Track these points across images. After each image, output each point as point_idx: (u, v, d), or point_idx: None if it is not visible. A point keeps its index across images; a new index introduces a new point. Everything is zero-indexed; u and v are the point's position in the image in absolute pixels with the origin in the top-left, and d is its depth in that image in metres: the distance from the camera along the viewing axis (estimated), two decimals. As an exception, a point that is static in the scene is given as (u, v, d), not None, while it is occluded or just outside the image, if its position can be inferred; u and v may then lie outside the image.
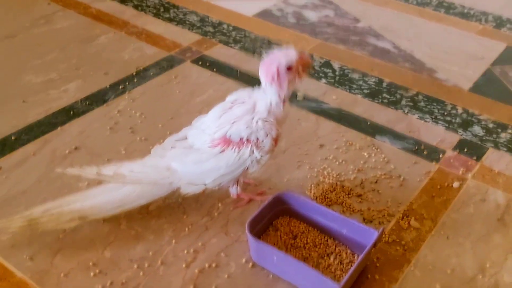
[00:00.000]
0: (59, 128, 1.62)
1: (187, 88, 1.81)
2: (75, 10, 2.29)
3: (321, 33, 2.17)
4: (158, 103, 1.74)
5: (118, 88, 1.81)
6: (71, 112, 1.69)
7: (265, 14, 2.30)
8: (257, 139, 1.22)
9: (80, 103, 1.74)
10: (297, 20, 2.26)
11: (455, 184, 1.45)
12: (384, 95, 1.82)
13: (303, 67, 1.19)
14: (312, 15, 2.30)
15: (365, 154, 1.55)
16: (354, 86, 1.86)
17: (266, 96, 1.22)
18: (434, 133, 1.65)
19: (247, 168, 1.26)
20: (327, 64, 1.98)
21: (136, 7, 2.33)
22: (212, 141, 1.25)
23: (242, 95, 1.28)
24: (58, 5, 2.32)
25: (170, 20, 2.23)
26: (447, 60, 2.03)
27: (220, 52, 2.02)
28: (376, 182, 1.46)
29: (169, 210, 1.36)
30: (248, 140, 1.22)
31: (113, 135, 1.60)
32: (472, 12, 2.39)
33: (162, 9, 2.32)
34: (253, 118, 1.22)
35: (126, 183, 1.27)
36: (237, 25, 2.21)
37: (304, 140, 1.60)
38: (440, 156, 1.56)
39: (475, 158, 1.56)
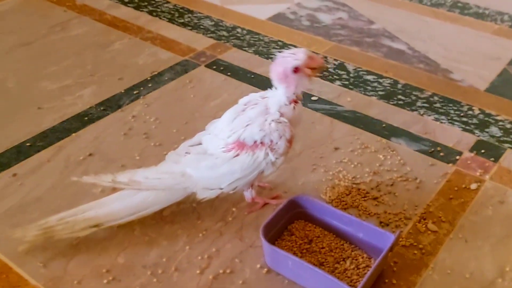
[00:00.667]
0: (73, 134, 1.60)
1: (201, 92, 1.79)
2: (90, 16, 2.28)
3: (335, 35, 2.14)
4: (173, 108, 1.72)
5: (132, 93, 1.79)
6: (86, 118, 1.67)
7: (278, 18, 2.27)
8: (271, 141, 1.19)
9: (94, 108, 1.72)
10: (311, 23, 2.22)
11: (473, 186, 1.41)
12: (399, 96, 1.78)
13: (312, 69, 1.16)
14: (326, 18, 2.27)
15: (381, 156, 1.51)
16: (369, 88, 1.82)
17: (277, 97, 1.20)
18: (451, 135, 1.61)
19: (262, 171, 1.23)
20: (341, 66, 1.94)
21: (150, 12, 2.31)
22: (226, 145, 1.22)
23: (255, 97, 1.25)
24: (74, 12, 2.31)
25: (184, 25, 2.21)
26: (463, 60, 1.99)
27: (234, 56, 2.00)
28: (392, 184, 1.42)
29: (183, 215, 1.33)
30: (262, 143, 1.20)
31: (127, 140, 1.58)
32: (487, 12, 2.34)
33: (176, 14, 2.30)
34: (266, 120, 1.19)
35: (141, 189, 1.25)
36: (251, 28, 2.18)
37: (319, 143, 1.56)
38: (457, 157, 1.51)
39: (492, 159, 1.51)
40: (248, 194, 1.33)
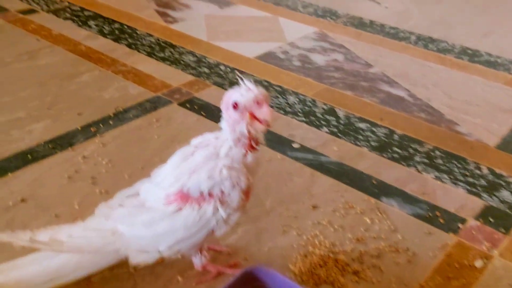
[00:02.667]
0: (9, 174, 1.34)
1: (168, 133, 1.52)
2: (64, 46, 2.04)
3: (327, 77, 1.88)
4: (131, 150, 1.45)
5: (89, 130, 1.53)
6: (29, 156, 1.41)
7: (268, 56, 2.02)
8: (222, 192, 0.93)
9: (42, 146, 1.46)
10: (302, 64, 1.97)
11: (478, 263, 1.12)
12: (395, 148, 1.50)
13: (254, 117, 0.91)
14: (319, 59, 2.01)
15: (367, 219, 1.23)
16: (360, 137, 1.55)
17: (227, 138, 0.95)
18: (453, 197, 1.32)
19: (213, 230, 0.95)
20: (331, 111, 1.67)
21: (129, 45, 2.07)
22: (167, 197, 0.95)
23: (208, 137, 0.99)
24: (47, 42, 2.08)
25: (163, 59, 1.97)
26: (470, 111, 1.71)
27: (212, 94, 1.74)
28: (378, 256, 1.13)
29: (117, 282, 1.05)
30: (210, 194, 0.93)
31: (70, 185, 1.32)
32: (499, 60, 2.07)
33: (157, 48, 2.05)
34: (216, 166, 0.93)
35: (64, 251, 0.97)
36: (236, 66, 1.92)
37: (295, 200, 1.28)
38: (460, 226, 1.22)
39: (503, 230, 1.21)
40: (198, 261, 1.04)
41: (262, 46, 2.11)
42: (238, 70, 1.88)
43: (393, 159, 1.46)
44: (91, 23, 2.27)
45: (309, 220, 1.22)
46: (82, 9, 2.42)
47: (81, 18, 2.32)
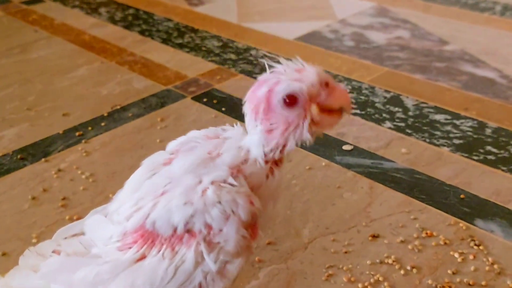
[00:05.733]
0: (-44, 196, 1.03)
1: (174, 135, 1.17)
2: (64, 37, 1.73)
3: (389, 58, 1.49)
4: (122, 159, 1.11)
5: (73, 135, 1.20)
6: (-12, 171, 1.10)
7: (312, 37, 1.64)
8: (208, 226, 0.58)
9: (9, 157, 1.14)
10: (357, 43, 1.58)
11: None
12: (488, 147, 1.10)
13: (325, 109, 0.59)
14: (378, 37, 1.62)
15: (456, 255, 0.84)
16: (438, 133, 1.15)
17: (244, 142, 0.61)
18: None
19: (200, 289, 0.59)
20: (395, 100, 1.28)
21: (142, 32, 1.74)
22: (122, 236, 0.60)
23: (197, 135, 0.64)
24: (46, 32, 1.78)
25: (181, 46, 1.63)
26: None
27: (237, 85, 1.38)
28: (478, 316, 0.74)
29: None
30: (189, 230, 0.58)
31: (32, 209, 0.99)
32: None
33: (175, 34, 1.72)
34: (199, 182, 0.58)
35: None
36: (271, 50, 1.56)
37: (345, 225, 0.91)
38: None
39: None
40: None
41: (305, 25, 1.73)
42: (272, 55, 1.52)
43: (487, 162, 1.06)
44: (102, 10, 1.96)
45: (367, 258, 0.84)
46: (95, -4, 2.13)
47: (91, 5, 2.02)
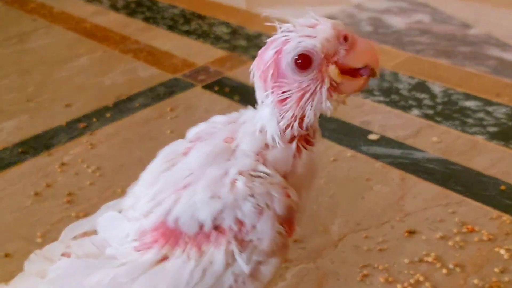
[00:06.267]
0: (-48, 193, 0.96)
1: (186, 126, 1.09)
2: (64, 25, 1.66)
3: (411, 43, 1.41)
4: (130, 152, 1.05)
5: (77, 127, 1.14)
6: (-13, 166, 1.03)
7: (327, 23, 1.57)
8: (240, 222, 0.51)
9: (9, 150, 1.08)
10: (375, 28, 1.51)
11: None
12: (526, 135, 1.03)
13: (347, 69, 0.50)
14: (397, 21, 1.55)
15: (502, 252, 0.77)
16: (470, 120, 1.08)
17: (257, 121, 0.54)
18: None
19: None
20: (421, 87, 1.21)
21: (146, 19, 1.67)
22: (141, 235, 0.53)
23: (216, 123, 0.56)
24: (45, 21, 1.70)
25: (188, 33, 1.55)
26: None
27: (249, 73, 1.31)
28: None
29: None
30: (217, 227, 0.51)
31: (35, 206, 0.93)
32: None
33: (181, 21, 1.64)
34: (226, 174, 0.51)
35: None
36: (284, 37, 1.49)
37: (377, 221, 0.84)
38: None
39: None
40: None
41: (319, 10, 1.65)
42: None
43: (525, 151, 0.99)
44: (103, -3, 1.89)
45: (404, 256, 0.77)
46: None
47: (92, -8, 1.95)
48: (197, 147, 0.54)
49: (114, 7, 1.80)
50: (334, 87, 0.50)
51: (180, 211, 0.51)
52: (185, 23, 1.64)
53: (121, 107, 1.21)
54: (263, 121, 0.52)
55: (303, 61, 0.49)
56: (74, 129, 1.14)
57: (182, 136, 1.12)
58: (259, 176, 0.51)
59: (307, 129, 0.52)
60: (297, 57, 0.49)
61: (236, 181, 0.50)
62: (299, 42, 0.49)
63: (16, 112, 1.22)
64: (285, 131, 0.52)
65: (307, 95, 0.50)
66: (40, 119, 1.19)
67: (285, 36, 0.50)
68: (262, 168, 0.51)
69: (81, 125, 1.15)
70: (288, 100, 0.51)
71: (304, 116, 0.51)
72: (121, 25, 1.66)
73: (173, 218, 0.51)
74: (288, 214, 0.52)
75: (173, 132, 1.10)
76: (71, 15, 1.75)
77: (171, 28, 1.61)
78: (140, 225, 0.54)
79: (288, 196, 0.52)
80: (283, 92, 0.51)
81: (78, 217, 0.89)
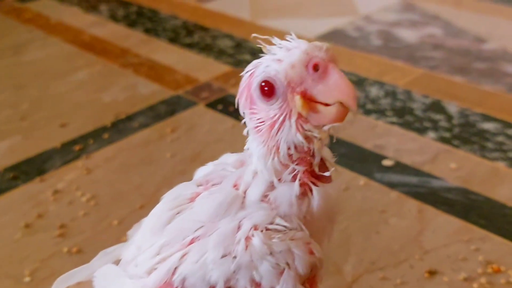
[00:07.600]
0: None
1: (187, 149, 1.05)
2: (62, 37, 1.61)
3: (423, 59, 1.35)
4: (129, 178, 0.99)
5: (72, 149, 1.07)
6: (-25, 193, 0.97)
7: (334, 35, 1.51)
8: (257, 284, 0.45)
9: (1, 175, 1.01)
10: (385, 42, 1.45)
11: None
12: (551, 162, 0.97)
13: (317, 87, 0.44)
14: (408, 35, 1.49)
15: (533, 297, 0.71)
16: (490, 145, 1.02)
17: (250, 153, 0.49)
18: None
19: None
20: (437, 106, 1.15)
21: (147, 31, 1.61)
22: (142, 298, 0.47)
23: (228, 162, 0.52)
24: (42, 32, 1.65)
25: (190, 46, 1.50)
26: None
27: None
28: None
29: None
30: None
31: (25, 239, 0.86)
32: None
33: (183, 33, 1.59)
34: (240, 228, 0.45)
35: None
36: (290, 50, 1.44)
37: (395, 259, 0.78)
38: None
39: None
40: None
41: (326, 22, 1.60)
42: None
43: (551, 179, 0.93)
44: (102, 7, 1.83)
45: (425, 301, 0.71)
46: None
47: (91, 2, 1.89)
48: (207, 195, 0.48)
49: (113, 17, 1.74)
50: (304, 118, 0.44)
51: (188, 270, 0.45)
52: (187, 35, 1.58)
53: (120, 127, 1.15)
54: (252, 153, 0.46)
55: (269, 88, 0.44)
56: (69, 151, 1.08)
57: (184, 160, 1.07)
58: (278, 230, 0.45)
59: (310, 162, 0.47)
60: (263, 83, 0.44)
61: (251, 237, 0.44)
62: (266, 66, 0.44)
63: (9, 132, 1.16)
64: (279, 169, 0.46)
65: (276, 125, 0.45)
66: (34, 140, 1.12)
67: (261, 59, 0.46)
68: (279, 220, 0.45)
69: (77, 147, 1.09)
70: (263, 129, 0.45)
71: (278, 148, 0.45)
72: (121, 37, 1.60)
73: (180, 278, 0.45)
74: (311, 272, 0.47)
75: (173, 156, 1.04)
76: (69, 26, 1.69)
77: (172, 40, 1.55)
78: (143, 284, 0.47)
79: (312, 253, 0.46)
80: (258, 120, 0.46)
81: (70, 253, 0.83)
